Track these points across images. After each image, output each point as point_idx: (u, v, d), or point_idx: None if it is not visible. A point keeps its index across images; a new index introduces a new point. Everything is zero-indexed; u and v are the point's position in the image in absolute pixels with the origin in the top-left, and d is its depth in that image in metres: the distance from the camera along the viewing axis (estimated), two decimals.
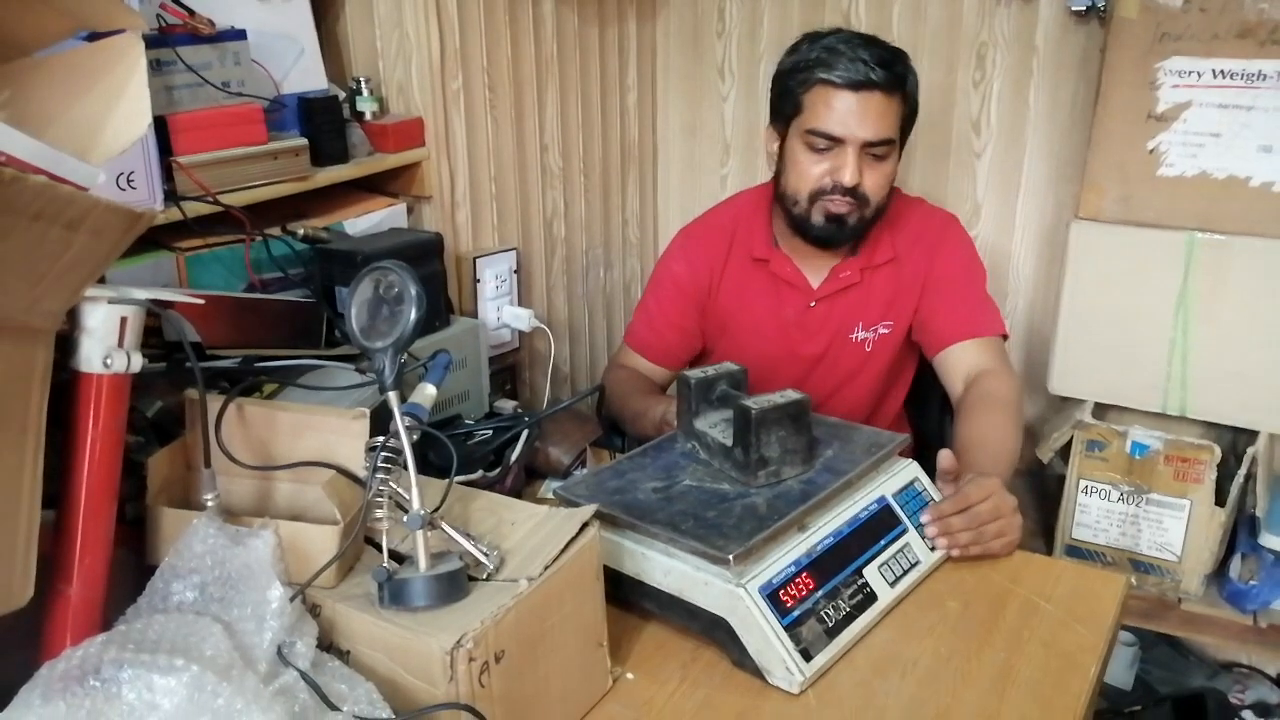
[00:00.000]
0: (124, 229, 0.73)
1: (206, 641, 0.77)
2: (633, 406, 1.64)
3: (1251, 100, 1.62)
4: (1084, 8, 1.89)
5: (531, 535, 0.98)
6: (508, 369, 2.00)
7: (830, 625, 1.07)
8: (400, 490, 0.91)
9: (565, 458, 1.47)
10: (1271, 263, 1.64)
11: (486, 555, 0.93)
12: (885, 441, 1.29)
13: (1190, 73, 1.65)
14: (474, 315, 1.87)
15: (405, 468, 0.90)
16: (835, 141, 1.47)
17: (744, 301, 1.67)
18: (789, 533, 1.12)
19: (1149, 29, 1.66)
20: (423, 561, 0.89)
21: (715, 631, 1.07)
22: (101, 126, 0.87)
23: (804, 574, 1.09)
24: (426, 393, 1.02)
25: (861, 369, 1.69)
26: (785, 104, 1.53)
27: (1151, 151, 1.70)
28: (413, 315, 0.87)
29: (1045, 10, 1.97)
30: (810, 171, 1.51)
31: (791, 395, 1.20)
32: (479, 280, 1.88)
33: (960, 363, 1.57)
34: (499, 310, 1.92)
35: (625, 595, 1.13)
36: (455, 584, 0.89)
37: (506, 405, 1.69)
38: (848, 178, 1.48)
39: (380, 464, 0.89)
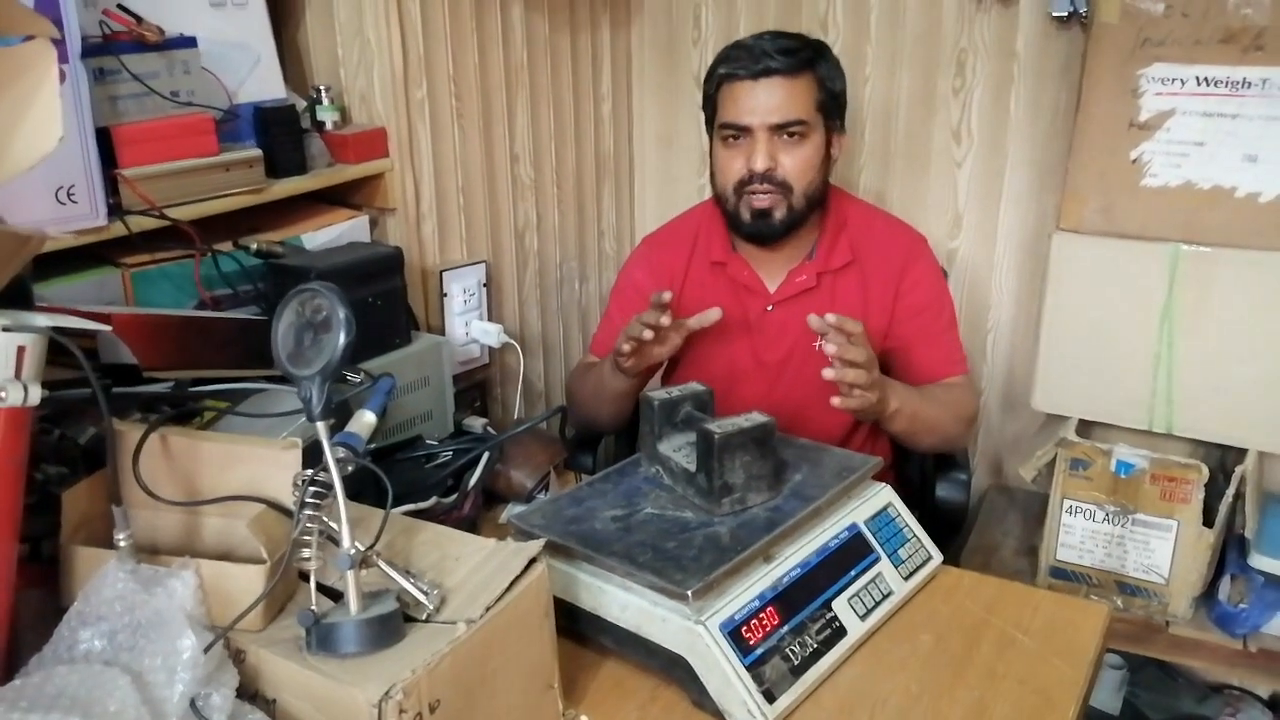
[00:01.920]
0: (11, 254, 0.68)
1: (112, 696, 0.72)
2: (591, 384, 1.63)
3: (1236, 108, 1.57)
4: (1065, 13, 1.84)
5: (476, 572, 0.93)
6: (477, 386, 1.95)
7: (796, 663, 1.02)
8: (334, 525, 0.86)
9: (528, 481, 1.41)
10: (1258, 275, 1.59)
11: (426, 594, 0.87)
12: (857, 465, 1.24)
13: (1173, 80, 1.60)
14: (441, 331, 1.82)
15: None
16: (744, 131, 1.49)
17: (705, 307, 1.62)
18: (753, 564, 1.07)
19: (1130, 35, 1.61)
20: (354, 603, 0.83)
21: (674, 670, 1.01)
22: (8, 142, 0.81)
23: (768, 608, 1.04)
24: (364, 420, 0.97)
25: (832, 389, 1.63)
26: (708, 110, 1.56)
27: (1134, 161, 1.65)
28: (341, 341, 0.82)
29: (1026, 16, 1.92)
30: (729, 165, 1.52)
31: (757, 418, 1.15)
32: (446, 294, 1.82)
33: None
34: (467, 325, 1.86)
35: (582, 630, 1.08)
36: (388, 627, 0.83)
37: (475, 423, 1.63)
38: (759, 162, 1.48)
39: (308, 498, 0.84)
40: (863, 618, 1.10)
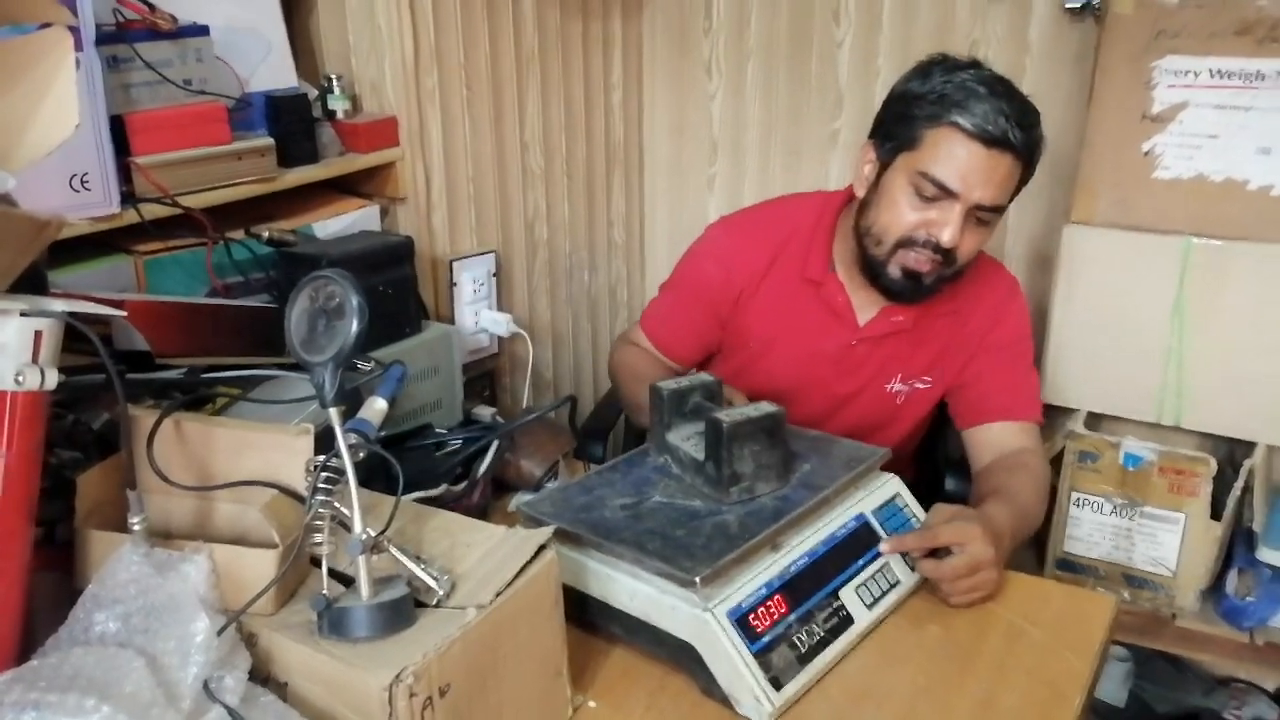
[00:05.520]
0: (29, 238, 0.68)
1: (127, 678, 0.73)
2: (641, 396, 1.45)
3: (1250, 101, 1.57)
4: (1079, 4, 1.84)
5: (487, 558, 0.93)
6: (486, 375, 1.96)
7: (803, 651, 1.02)
8: (346, 511, 0.87)
9: (537, 470, 1.42)
10: (1270, 269, 1.59)
11: (436, 580, 0.88)
12: (865, 456, 1.24)
13: (1187, 72, 1.60)
14: (450, 320, 1.82)
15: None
16: (946, 194, 1.30)
17: (780, 321, 1.52)
18: (761, 553, 1.07)
19: (1144, 26, 1.61)
20: (365, 588, 0.84)
21: (682, 657, 1.02)
22: (24, 128, 0.82)
23: (776, 596, 1.04)
24: (376, 407, 0.97)
25: (890, 421, 1.56)
26: (901, 130, 1.33)
27: (1147, 153, 1.65)
28: (354, 328, 0.82)
29: (1039, 7, 1.92)
30: (906, 217, 1.33)
31: (766, 408, 1.15)
32: (455, 284, 1.83)
33: (996, 440, 1.45)
34: (477, 314, 1.87)
35: (591, 618, 1.08)
36: (399, 612, 0.84)
37: (484, 412, 1.64)
38: (947, 237, 1.30)
39: (321, 484, 0.84)
40: (870, 607, 1.11)
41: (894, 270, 1.37)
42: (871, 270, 1.40)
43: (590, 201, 2.22)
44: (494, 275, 1.90)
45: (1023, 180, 1.36)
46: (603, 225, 2.28)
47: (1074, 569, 1.78)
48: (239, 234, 1.46)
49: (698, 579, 0.98)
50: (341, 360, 0.84)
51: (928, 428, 1.66)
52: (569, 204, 2.15)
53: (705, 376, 1.28)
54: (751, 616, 1.01)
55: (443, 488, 1.28)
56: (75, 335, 0.86)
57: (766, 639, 1.00)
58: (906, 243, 1.34)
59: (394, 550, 0.88)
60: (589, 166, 2.19)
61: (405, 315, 1.52)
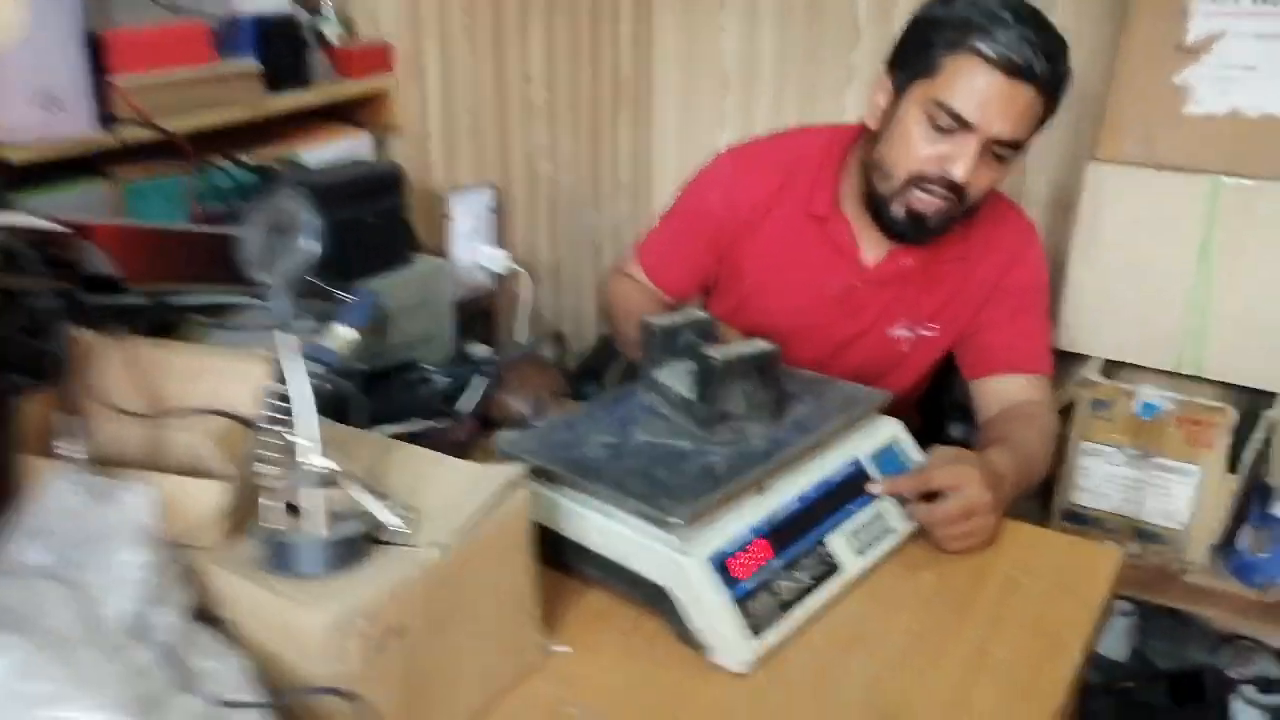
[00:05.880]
0: None
1: (50, 613, 0.69)
2: (634, 332, 1.38)
3: None
4: None
5: (455, 496, 0.89)
6: (484, 313, 1.91)
7: (786, 599, 0.98)
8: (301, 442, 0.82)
9: (524, 408, 1.37)
10: None
11: (399, 517, 0.84)
12: (862, 399, 1.19)
13: None
14: (446, 254, 1.77)
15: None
16: (962, 125, 1.23)
17: (782, 257, 1.46)
18: (746, 495, 1.02)
19: None
20: (316, 523, 0.80)
21: (659, 602, 0.97)
22: None
23: (760, 541, 0.99)
24: (338, 334, 0.92)
25: (892, 369, 1.49)
26: (919, 59, 1.26)
27: (1179, 87, 1.56)
28: (306, 248, 0.77)
29: None
30: (919, 150, 1.26)
31: (760, 345, 1.10)
32: (451, 218, 1.77)
33: (1004, 392, 1.39)
34: (474, 250, 1.82)
35: (567, 560, 1.04)
36: (352, 549, 0.79)
37: (480, 350, 1.60)
38: (960, 171, 1.24)
39: (272, 412, 0.80)
40: (860, 554, 1.06)
41: (897, 209, 1.31)
42: (874, 207, 1.35)
43: (595, 137, 2.15)
44: (493, 211, 1.85)
45: (1045, 116, 1.28)
46: (608, 162, 2.21)
47: (1081, 520, 1.72)
48: (221, 160, 1.41)
49: (677, 519, 0.93)
50: (294, 281, 0.79)
51: (933, 375, 1.60)
52: (573, 139, 2.08)
53: (698, 313, 1.23)
54: (732, 561, 0.96)
55: (425, 423, 1.24)
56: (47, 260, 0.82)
57: (748, 585, 0.96)
58: (917, 178, 1.28)
59: (351, 484, 0.84)
60: (594, 100, 2.12)
61: (394, 246, 1.47)
